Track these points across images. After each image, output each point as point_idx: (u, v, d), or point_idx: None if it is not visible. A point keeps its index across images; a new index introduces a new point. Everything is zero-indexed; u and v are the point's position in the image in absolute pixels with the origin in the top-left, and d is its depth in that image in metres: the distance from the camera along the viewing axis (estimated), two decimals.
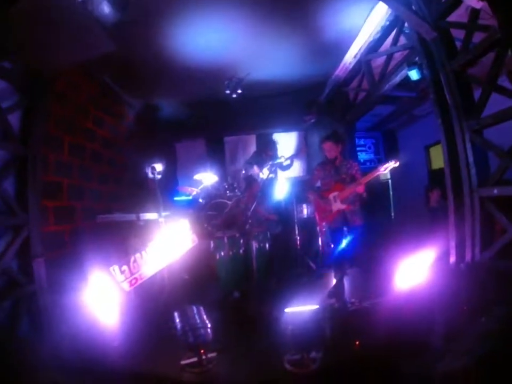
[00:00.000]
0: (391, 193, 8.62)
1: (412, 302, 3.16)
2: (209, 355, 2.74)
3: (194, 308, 3.25)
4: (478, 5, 3.09)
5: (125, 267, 3.08)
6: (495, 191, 2.93)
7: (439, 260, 3.46)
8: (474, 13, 3.19)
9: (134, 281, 3.16)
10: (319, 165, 4.85)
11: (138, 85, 5.66)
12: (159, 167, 4.23)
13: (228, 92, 5.72)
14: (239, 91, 5.74)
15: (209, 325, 3.08)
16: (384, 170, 4.25)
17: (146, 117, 6.70)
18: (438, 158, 7.33)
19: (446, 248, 3.48)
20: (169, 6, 3.70)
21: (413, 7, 3.45)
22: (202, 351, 2.71)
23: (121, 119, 6.05)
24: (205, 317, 3.19)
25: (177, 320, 3.07)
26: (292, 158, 6.18)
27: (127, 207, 4.06)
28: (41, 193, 3.40)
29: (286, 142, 7.60)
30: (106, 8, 2.70)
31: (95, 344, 2.57)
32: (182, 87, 5.94)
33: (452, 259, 3.35)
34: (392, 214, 8.42)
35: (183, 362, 2.68)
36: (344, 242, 4.54)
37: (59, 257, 3.66)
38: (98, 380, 2.33)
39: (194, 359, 2.68)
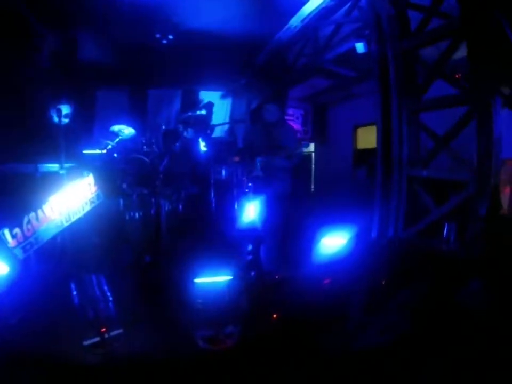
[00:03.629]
0: (313, 166, 8.80)
1: (330, 275, 3.20)
2: (114, 332, 2.41)
3: (94, 277, 2.86)
4: None
5: (17, 230, 2.58)
6: (425, 172, 3.07)
7: (359, 234, 3.57)
8: None
9: (28, 246, 2.66)
10: None
11: (56, 15, 4.80)
12: (66, 109, 3.62)
13: (158, 35, 5.29)
14: (170, 36, 5.34)
15: (110, 298, 2.74)
16: None
17: (62, 53, 5.71)
18: (364, 139, 7.57)
19: (368, 223, 3.60)
20: None
21: None
22: (103, 329, 2.38)
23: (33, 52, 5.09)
24: (106, 287, 2.82)
25: (74, 293, 2.68)
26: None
27: (24, 155, 3.40)
28: None
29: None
30: None
31: None
32: (108, 25, 5.15)
33: (374, 233, 3.49)
34: (312, 187, 8.61)
35: (85, 342, 2.31)
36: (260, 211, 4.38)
37: None
38: None
39: (97, 339, 2.34)
